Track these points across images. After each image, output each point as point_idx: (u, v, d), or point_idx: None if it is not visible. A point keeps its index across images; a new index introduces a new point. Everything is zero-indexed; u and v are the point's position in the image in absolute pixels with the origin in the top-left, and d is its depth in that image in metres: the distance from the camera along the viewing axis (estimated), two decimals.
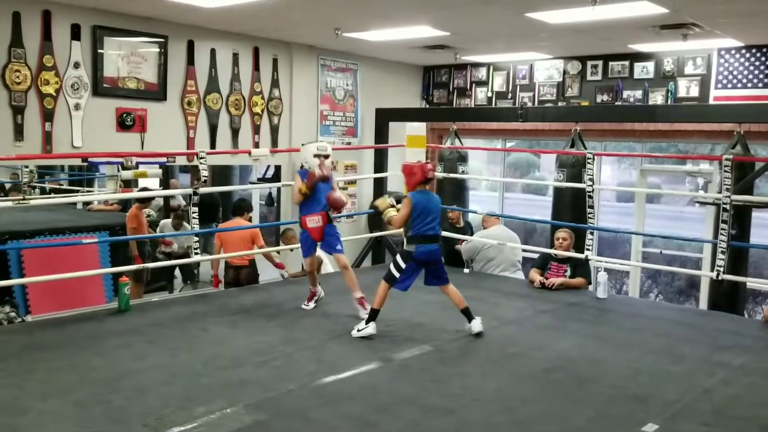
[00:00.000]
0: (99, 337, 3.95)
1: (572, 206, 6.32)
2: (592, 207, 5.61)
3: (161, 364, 3.53)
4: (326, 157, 4.60)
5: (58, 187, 9.42)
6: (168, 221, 7.24)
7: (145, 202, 6.67)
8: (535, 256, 6.15)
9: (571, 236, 5.63)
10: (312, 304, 4.87)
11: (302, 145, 4.79)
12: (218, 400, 3.01)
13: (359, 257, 8.27)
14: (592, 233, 5.60)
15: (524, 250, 6.50)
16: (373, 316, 4.09)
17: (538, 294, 5.40)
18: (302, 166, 4.68)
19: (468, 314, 4.21)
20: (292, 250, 6.70)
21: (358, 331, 4.08)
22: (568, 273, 5.57)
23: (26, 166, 8.67)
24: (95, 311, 4.75)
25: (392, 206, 4.32)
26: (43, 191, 9.01)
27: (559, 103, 8.20)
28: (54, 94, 5.97)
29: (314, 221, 4.59)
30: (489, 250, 6.25)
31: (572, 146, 6.60)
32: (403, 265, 4.10)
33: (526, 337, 4.25)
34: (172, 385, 3.22)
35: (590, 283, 5.73)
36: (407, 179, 4.23)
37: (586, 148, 6.44)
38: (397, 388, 3.30)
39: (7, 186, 9.29)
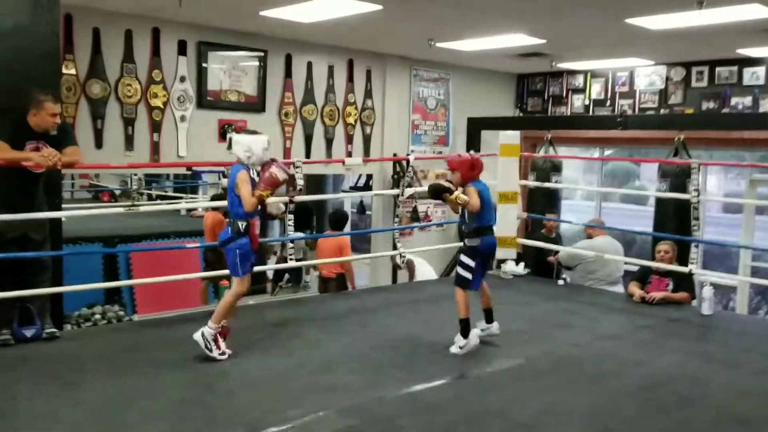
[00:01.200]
0: None
1: (675, 217, 6.03)
2: (697, 218, 5.31)
3: (255, 366, 3.62)
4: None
5: (163, 194, 10.00)
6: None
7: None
8: (635, 269, 5.90)
9: (674, 249, 5.35)
10: (223, 354, 3.63)
11: (237, 133, 3.86)
12: (310, 404, 3.05)
13: (448, 266, 8.22)
14: (697, 246, 5.31)
15: (624, 263, 6.25)
16: (467, 326, 3.92)
17: (638, 308, 5.15)
18: (240, 161, 3.78)
19: (489, 315, 4.11)
20: (401, 267, 6.60)
21: (460, 348, 3.89)
22: (670, 287, 5.29)
23: (135, 174, 9.30)
24: (195, 312, 4.95)
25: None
26: (150, 198, 9.60)
27: (662, 111, 7.84)
28: (162, 107, 6.34)
29: (257, 226, 3.74)
30: (592, 263, 6.02)
31: (675, 155, 6.31)
32: (471, 264, 3.90)
33: (624, 353, 4.05)
34: (266, 387, 3.31)
35: (694, 298, 5.41)
36: (466, 172, 3.92)
37: (690, 157, 6.14)
38: (486, 400, 3.24)
39: (117, 192, 9.94)
